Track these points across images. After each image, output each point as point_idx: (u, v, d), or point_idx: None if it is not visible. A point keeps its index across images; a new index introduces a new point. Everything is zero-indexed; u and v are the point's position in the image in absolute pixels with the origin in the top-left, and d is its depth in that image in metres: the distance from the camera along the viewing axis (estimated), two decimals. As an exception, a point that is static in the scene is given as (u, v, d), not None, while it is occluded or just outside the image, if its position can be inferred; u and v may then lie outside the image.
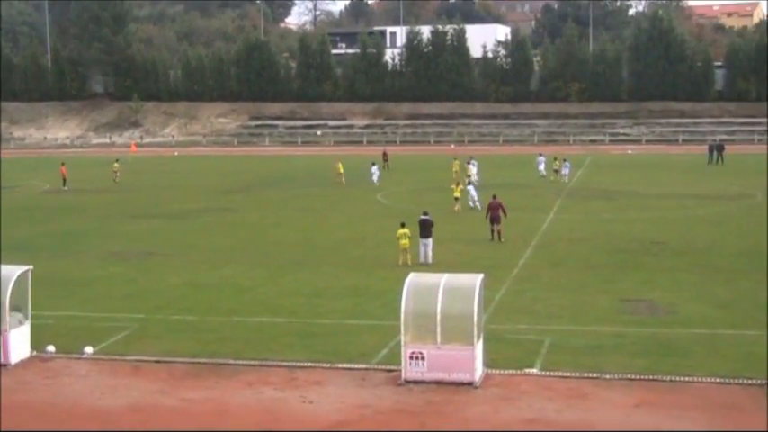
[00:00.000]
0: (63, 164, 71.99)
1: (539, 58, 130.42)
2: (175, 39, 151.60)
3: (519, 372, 23.02)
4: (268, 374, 23.22)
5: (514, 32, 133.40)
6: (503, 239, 42.35)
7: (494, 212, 42.71)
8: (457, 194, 53.39)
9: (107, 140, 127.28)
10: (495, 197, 43.74)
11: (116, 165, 73.25)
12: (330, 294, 32.29)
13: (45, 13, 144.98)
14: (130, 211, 55.48)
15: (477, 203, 52.50)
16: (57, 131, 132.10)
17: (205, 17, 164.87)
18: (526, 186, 65.34)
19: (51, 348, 25.34)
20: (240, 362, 24.24)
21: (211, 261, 39.03)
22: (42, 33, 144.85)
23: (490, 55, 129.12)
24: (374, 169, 68.22)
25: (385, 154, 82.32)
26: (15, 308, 24.71)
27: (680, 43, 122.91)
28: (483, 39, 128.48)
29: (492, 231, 42.64)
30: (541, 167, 71.17)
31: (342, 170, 68.99)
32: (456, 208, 52.53)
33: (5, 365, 24.06)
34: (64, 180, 69.70)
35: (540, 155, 73.87)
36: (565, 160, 68.43)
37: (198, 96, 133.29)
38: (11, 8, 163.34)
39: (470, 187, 55.08)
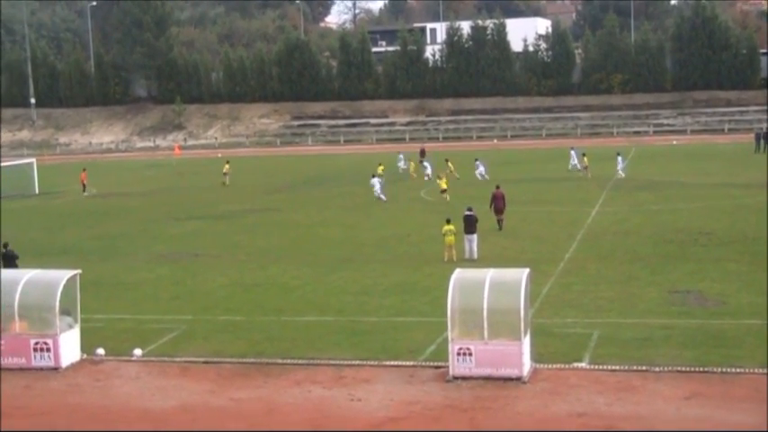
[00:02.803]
0: (84, 170, 72.20)
1: (580, 51, 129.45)
2: (216, 41, 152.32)
3: (567, 366, 22.91)
4: (316, 373, 23.28)
5: (555, 25, 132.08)
6: (502, 229, 43.36)
7: (497, 203, 43.85)
8: (443, 186, 56.35)
9: (151, 144, 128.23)
10: (498, 187, 45.07)
11: (227, 167, 72.16)
12: (376, 292, 32.31)
13: (87, 18, 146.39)
14: (176, 213, 55.83)
15: (382, 195, 57.38)
16: (101, 136, 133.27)
17: (245, 18, 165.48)
18: (570, 179, 65.03)
19: (101, 351, 25.59)
20: (288, 361, 24.32)
21: (258, 261, 39.19)
22: (85, 39, 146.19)
23: (531, 48, 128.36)
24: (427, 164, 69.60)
25: (422, 151, 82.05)
26: (65, 311, 24.96)
27: (724, 31, 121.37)
28: (523, 32, 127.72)
29: (498, 222, 43.78)
30: (574, 161, 71.39)
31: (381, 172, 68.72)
32: (446, 197, 55.15)
33: (57, 369, 24.33)
34: (84, 186, 69.75)
35: (572, 149, 74.16)
36: (618, 154, 67.19)
37: (240, 97, 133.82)
38: (54, 15, 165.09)
39: (375, 180, 58.73)
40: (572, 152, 72.50)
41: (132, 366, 24.66)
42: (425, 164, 69.87)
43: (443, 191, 56.15)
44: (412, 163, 73.37)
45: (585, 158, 67.75)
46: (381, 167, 68.06)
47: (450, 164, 70.19)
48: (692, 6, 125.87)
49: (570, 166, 70.98)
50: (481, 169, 67.22)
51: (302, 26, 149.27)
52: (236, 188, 68.66)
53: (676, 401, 20.22)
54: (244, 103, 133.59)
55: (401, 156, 78.86)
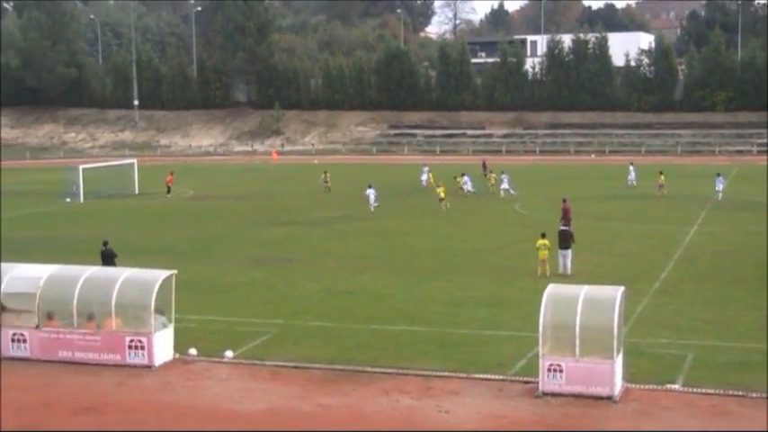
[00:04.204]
0: (171, 173, 73.04)
1: (683, 67, 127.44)
2: (317, 48, 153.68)
3: (660, 387, 22.47)
4: (404, 383, 23.23)
5: (658, 40, 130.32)
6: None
7: (566, 215, 43.98)
8: (442, 195, 58.83)
9: (249, 148, 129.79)
10: (565, 200, 45.44)
11: (326, 174, 72.45)
12: (468, 304, 32.15)
13: (192, 23, 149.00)
14: (271, 218, 56.35)
15: (375, 204, 58.86)
16: (201, 139, 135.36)
17: (346, 26, 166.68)
18: (668, 197, 63.85)
19: (193, 351, 25.91)
20: (377, 369, 24.31)
21: (349, 268, 39.31)
22: (189, 44, 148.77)
23: (633, 63, 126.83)
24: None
25: (484, 164, 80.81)
26: (159, 311, 25.35)
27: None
28: (626, 47, 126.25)
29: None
30: (631, 177, 71.40)
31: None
32: (445, 206, 57.98)
33: (150, 367, 24.71)
34: (168, 188, 70.62)
35: (632, 164, 74.17)
36: (719, 174, 65.12)
37: (338, 105, 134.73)
38: (159, 20, 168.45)
39: (370, 191, 59.52)
40: (630, 167, 72.49)
41: (223, 368, 24.91)
42: (465, 178, 68.11)
43: (441, 199, 58.50)
44: (431, 175, 72.28)
45: (662, 176, 66.22)
46: (327, 174, 70.36)
47: (493, 175, 69.65)
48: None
49: (628, 182, 70.97)
50: (505, 184, 66.28)
51: (402, 35, 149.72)
52: (330, 195, 69.05)
53: (773, 429, 19.68)
54: (341, 110, 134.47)
55: (425, 168, 77.88)
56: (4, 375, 24.41)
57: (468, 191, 66.97)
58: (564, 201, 45.70)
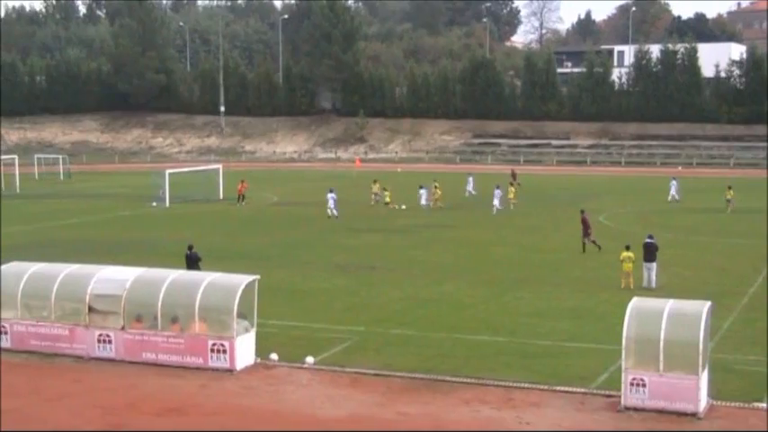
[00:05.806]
0: (242, 180, 71.49)
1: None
2: (402, 56, 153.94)
3: (746, 405, 22.02)
4: (485, 393, 23.11)
5: (751, 50, 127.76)
6: (585, 251, 44.93)
7: (585, 226, 45.42)
8: (387, 199, 65.37)
9: (333, 155, 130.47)
10: (583, 212, 46.34)
11: (375, 186, 70.11)
12: (550, 315, 31.88)
13: (279, 31, 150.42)
14: (353, 225, 56.53)
15: (335, 210, 59.75)
16: (285, 146, 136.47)
17: (432, 35, 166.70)
18: (758, 212, 62.53)
19: (275, 356, 26.08)
20: (458, 379, 24.22)
21: (432, 277, 39.25)
22: (275, 51, 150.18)
23: (723, 74, 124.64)
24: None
25: (513, 173, 79.29)
26: (242, 315, 25.58)
27: None
28: (716, 58, 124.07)
29: (585, 244, 45.17)
30: (673, 191, 70.13)
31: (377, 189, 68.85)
32: (372, 203, 65.73)
33: (231, 370, 24.94)
34: (241, 196, 69.48)
35: (674, 178, 72.93)
36: None
37: (422, 113, 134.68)
38: (247, 27, 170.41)
39: (330, 195, 60.40)
40: (673, 182, 71.25)
41: (304, 373, 25.04)
42: (421, 192, 66.47)
43: (387, 203, 64.70)
44: (436, 184, 68.82)
45: (731, 191, 64.79)
46: (377, 185, 69.42)
47: (512, 188, 68.23)
48: None
49: (669, 197, 69.75)
50: (422, 200, 65.60)
51: (488, 44, 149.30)
52: (411, 203, 68.17)
53: None
54: (426, 118, 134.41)
55: (470, 179, 75.67)
56: (91, 374, 24.96)
57: (421, 204, 65.37)
58: (582, 212, 46.34)
